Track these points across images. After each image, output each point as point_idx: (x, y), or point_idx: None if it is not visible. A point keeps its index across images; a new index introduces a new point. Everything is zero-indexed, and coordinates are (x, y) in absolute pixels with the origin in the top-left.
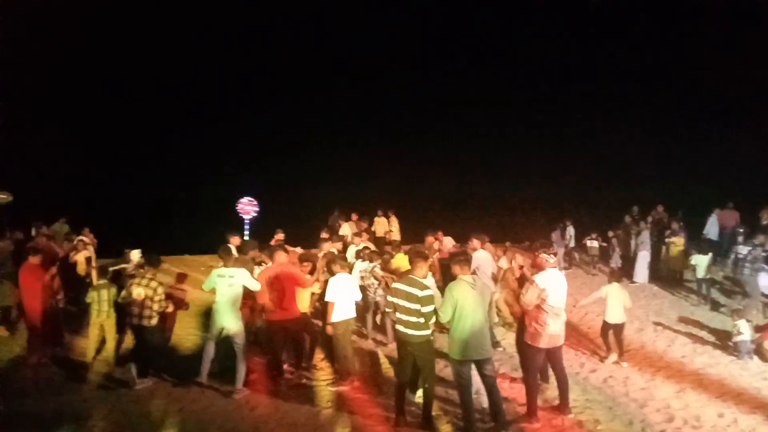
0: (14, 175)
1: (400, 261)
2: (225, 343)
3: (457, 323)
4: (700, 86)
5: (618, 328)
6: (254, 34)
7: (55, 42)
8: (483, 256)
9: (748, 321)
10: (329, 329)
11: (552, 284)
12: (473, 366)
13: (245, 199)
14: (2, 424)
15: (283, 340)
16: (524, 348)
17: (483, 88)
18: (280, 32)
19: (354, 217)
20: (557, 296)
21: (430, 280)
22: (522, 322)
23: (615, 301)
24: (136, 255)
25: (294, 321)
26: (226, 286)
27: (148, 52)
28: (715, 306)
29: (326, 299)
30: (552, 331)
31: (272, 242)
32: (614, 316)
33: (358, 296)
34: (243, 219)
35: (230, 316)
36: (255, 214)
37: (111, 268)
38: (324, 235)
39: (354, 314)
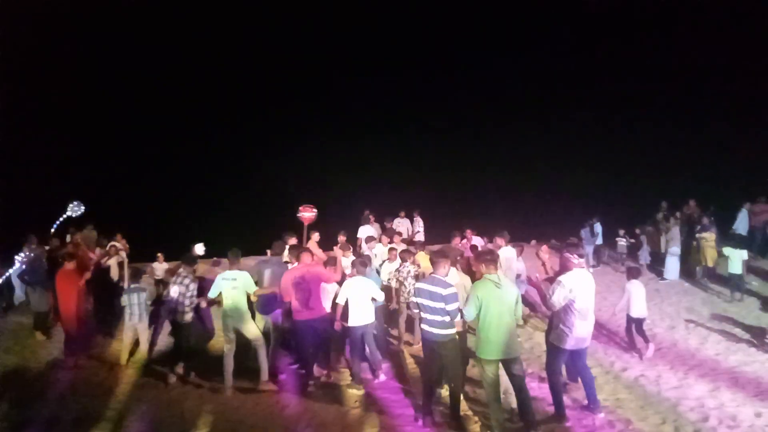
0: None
1: (422, 260)
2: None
3: (483, 323)
4: (728, 79)
5: (640, 323)
6: (283, 31)
7: (81, 36)
8: (508, 254)
9: None
10: (337, 325)
11: (579, 285)
12: (501, 365)
13: (305, 206)
14: (40, 426)
15: (312, 339)
16: (548, 347)
17: (509, 80)
18: (307, 30)
19: (371, 218)
20: (585, 297)
21: (454, 278)
22: (550, 322)
23: (638, 297)
24: (200, 249)
25: (321, 320)
26: (230, 288)
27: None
28: (749, 302)
29: (337, 301)
30: (579, 333)
31: (307, 244)
32: (638, 311)
33: (380, 298)
34: (302, 222)
35: (239, 317)
36: (314, 219)
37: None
38: (341, 237)
39: (372, 319)
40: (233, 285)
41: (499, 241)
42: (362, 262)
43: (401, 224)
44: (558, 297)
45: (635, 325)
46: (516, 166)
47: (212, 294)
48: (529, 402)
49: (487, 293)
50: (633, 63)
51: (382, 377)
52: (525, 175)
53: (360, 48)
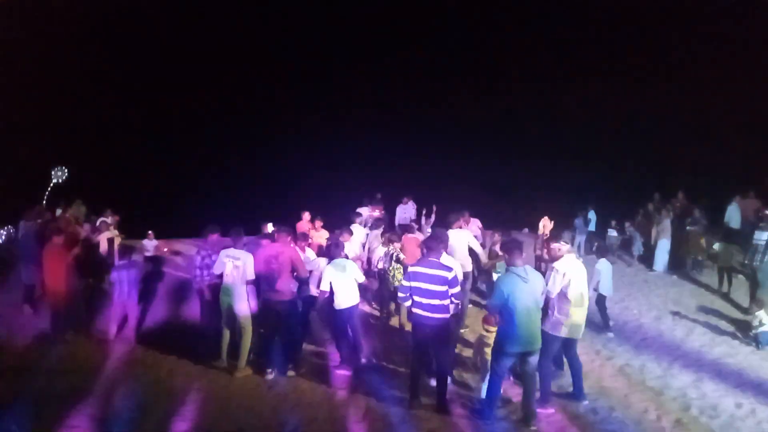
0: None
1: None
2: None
3: (508, 317)
4: (721, 71)
5: (603, 300)
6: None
7: (77, 21)
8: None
9: None
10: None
11: (572, 271)
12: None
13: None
14: (28, 401)
15: (273, 322)
16: (542, 335)
17: (505, 68)
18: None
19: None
20: (579, 284)
21: (453, 263)
22: (544, 310)
23: (607, 275)
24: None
25: (284, 303)
26: (232, 267)
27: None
28: (736, 295)
29: (320, 287)
30: (574, 320)
31: (299, 224)
32: (603, 289)
33: (361, 278)
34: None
35: (236, 295)
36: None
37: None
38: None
39: (357, 300)
40: (235, 264)
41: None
42: (337, 244)
43: (406, 210)
44: (554, 284)
45: (598, 302)
46: (511, 155)
47: (217, 271)
48: (533, 395)
49: (513, 287)
50: (626, 55)
51: (363, 361)
52: (520, 165)
53: (360, 37)
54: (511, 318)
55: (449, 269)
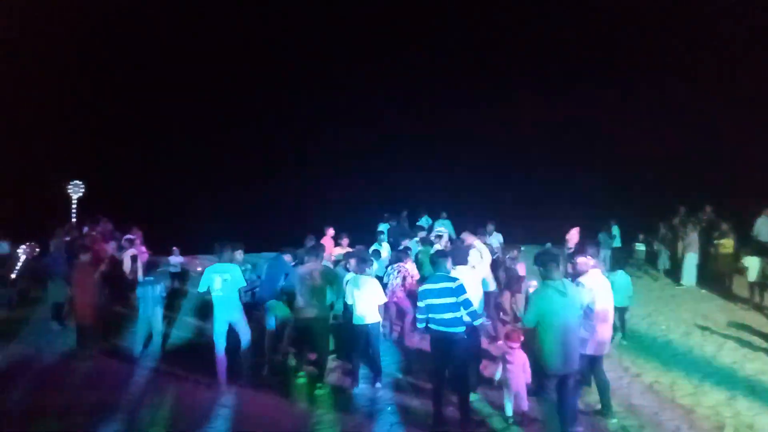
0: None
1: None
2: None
3: (544, 334)
4: (746, 81)
5: (622, 312)
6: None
7: (89, 30)
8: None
9: None
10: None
11: (598, 286)
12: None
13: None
14: (55, 416)
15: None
16: None
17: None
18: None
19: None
20: (604, 299)
21: (470, 274)
22: None
23: (625, 287)
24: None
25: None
26: (221, 281)
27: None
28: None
29: (346, 300)
30: (600, 337)
31: (323, 240)
32: (619, 300)
33: (382, 299)
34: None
35: (232, 308)
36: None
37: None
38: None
39: (378, 319)
40: (224, 277)
41: (469, 238)
42: (362, 260)
43: (444, 226)
44: (581, 299)
45: (619, 313)
46: (532, 167)
47: (202, 288)
48: (572, 420)
49: (549, 302)
50: (650, 62)
51: (379, 385)
52: (540, 177)
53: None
54: (548, 336)
55: (453, 279)
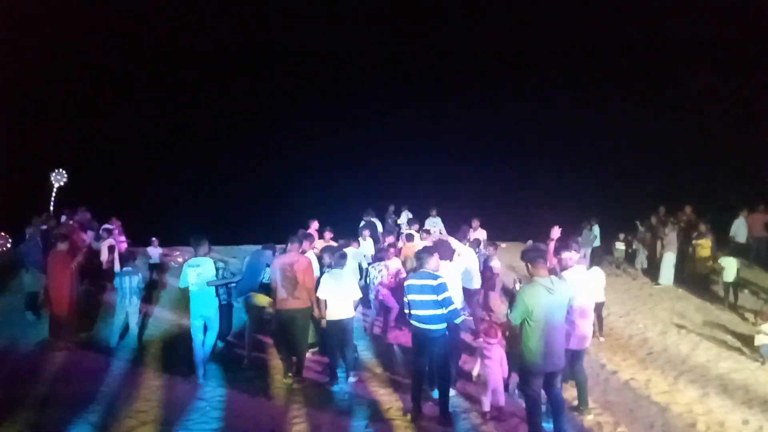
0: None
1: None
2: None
3: (530, 332)
4: (728, 83)
5: (600, 307)
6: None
7: (79, 24)
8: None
9: None
10: (323, 323)
11: (580, 282)
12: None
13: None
14: (29, 407)
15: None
16: None
17: (508, 82)
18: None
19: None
20: (585, 295)
21: (448, 271)
22: None
23: (597, 283)
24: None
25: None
26: (195, 275)
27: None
28: (743, 310)
29: (318, 294)
30: (581, 332)
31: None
32: (599, 296)
33: (357, 295)
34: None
35: (206, 303)
36: None
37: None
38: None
39: (353, 314)
40: (197, 272)
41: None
42: (341, 255)
43: (435, 224)
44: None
45: (597, 310)
46: (512, 165)
47: (183, 284)
48: (562, 418)
49: (536, 299)
50: (632, 65)
51: (352, 379)
52: (525, 175)
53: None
54: (535, 333)
55: (435, 277)
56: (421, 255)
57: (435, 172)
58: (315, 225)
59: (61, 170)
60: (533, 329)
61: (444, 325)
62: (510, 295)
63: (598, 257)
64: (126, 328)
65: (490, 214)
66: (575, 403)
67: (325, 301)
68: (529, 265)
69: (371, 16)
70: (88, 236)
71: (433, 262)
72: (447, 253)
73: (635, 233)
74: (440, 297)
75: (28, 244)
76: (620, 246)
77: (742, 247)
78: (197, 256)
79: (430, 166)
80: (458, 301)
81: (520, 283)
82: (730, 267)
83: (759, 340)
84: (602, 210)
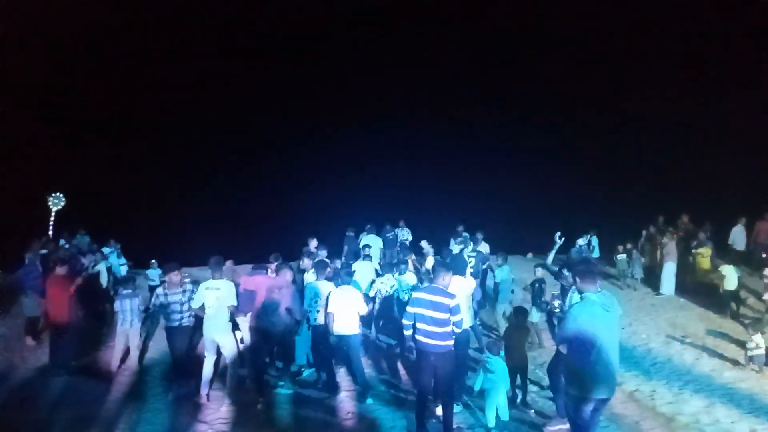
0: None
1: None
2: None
3: (587, 355)
4: (723, 92)
5: None
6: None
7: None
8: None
9: (763, 333)
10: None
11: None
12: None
13: None
14: None
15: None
16: (558, 355)
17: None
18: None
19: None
20: None
21: (460, 287)
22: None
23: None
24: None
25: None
26: (214, 298)
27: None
28: (745, 319)
29: (328, 310)
30: None
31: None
32: None
33: (363, 311)
34: None
35: (220, 327)
36: None
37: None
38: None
39: (358, 330)
40: (217, 295)
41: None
42: (347, 272)
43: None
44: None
45: None
46: (513, 176)
47: (196, 304)
48: None
49: (593, 318)
50: (630, 75)
51: (370, 401)
52: (523, 187)
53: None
54: (590, 356)
55: (452, 296)
56: (437, 270)
57: (431, 184)
58: (314, 243)
59: (58, 194)
60: (590, 351)
61: (452, 342)
62: (546, 313)
63: (599, 270)
64: (127, 351)
65: (491, 228)
66: None
67: (333, 315)
68: (578, 279)
69: (350, 32)
70: (87, 260)
71: (447, 278)
72: (462, 268)
73: (635, 242)
74: (454, 318)
75: (26, 268)
76: (622, 257)
77: (740, 254)
78: (215, 279)
79: (426, 179)
80: (468, 319)
81: (560, 299)
82: (730, 275)
83: (752, 351)
84: (600, 221)
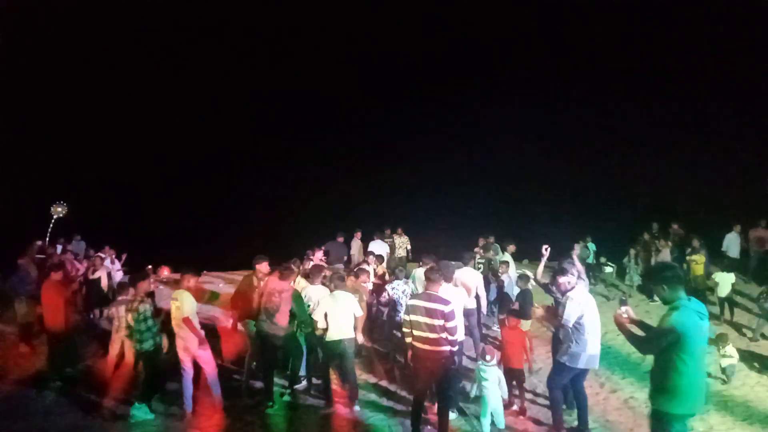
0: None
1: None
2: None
3: (683, 368)
4: (722, 100)
5: None
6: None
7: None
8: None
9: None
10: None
11: (587, 301)
12: None
13: None
14: None
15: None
16: (556, 366)
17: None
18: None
19: (357, 235)
20: (593, 313)
21: (453, 295)
22: (556, 340)
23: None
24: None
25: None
26: (174, 308)
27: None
28: (739, 326)
29: (314, 316)
30: (592, 351)
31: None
32: None
33: (359, 313)
34: None
35: (186, 336)
36: None
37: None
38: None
39: (352, 335)
40: (175, 305)
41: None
42: (340, 277)
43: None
44: (571, 312)
45: None
46: (504, 185)
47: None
48: None
49: (691, 328)
50: (623, 82)
51: (357, 408)
52: (513, 194)
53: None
54: (689, 370)
55: (446, 302)
56: (431, 276)
57: (430, 191)
58: (318, 254)
59: (62, 202)
60: (686, 365)
61: (448, 348)
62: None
63: (591, 276)
64: (122, 358)
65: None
66: (575, 424)
67: (327, 320)
68: (666, 288)
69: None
70: (82, 266)
71: (438, 284)
72: (449, 275)
73: (632, 246)
74: (449, 324)
75: (19, 274)
76: (608, 270)
77: (734, 261)
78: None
79: (424, 186)
80: (461, 326)
81: (626, 303)
82: (724, 282)
83: (725, 361)
84: (595, 230)
